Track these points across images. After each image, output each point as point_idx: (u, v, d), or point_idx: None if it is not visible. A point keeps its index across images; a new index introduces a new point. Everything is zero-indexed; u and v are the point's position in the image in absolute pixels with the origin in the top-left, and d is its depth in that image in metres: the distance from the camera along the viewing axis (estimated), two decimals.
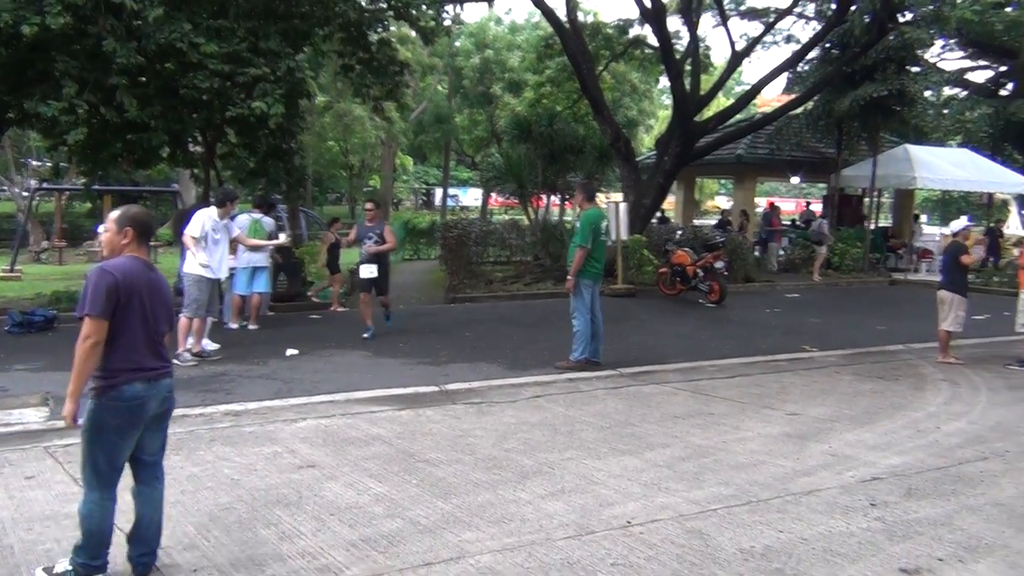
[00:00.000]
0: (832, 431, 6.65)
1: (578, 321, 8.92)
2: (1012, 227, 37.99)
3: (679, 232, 19.04)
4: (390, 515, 4.73)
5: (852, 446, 6.22)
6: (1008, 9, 25.45)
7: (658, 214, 22.51)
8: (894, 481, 5.41)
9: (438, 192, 50.70)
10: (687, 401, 7.69)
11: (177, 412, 4.86)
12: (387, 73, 14.48)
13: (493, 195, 38.34)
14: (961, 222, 10.35)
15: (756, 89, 20.10)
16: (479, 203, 45.18)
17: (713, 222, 30.60)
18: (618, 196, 20.55)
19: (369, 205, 11.22)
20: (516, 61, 34.93)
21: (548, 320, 12.57)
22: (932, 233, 29.74)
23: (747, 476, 5.48)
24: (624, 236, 16.71)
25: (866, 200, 23.70)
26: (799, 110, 21.96)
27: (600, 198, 24.62)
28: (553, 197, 25.09)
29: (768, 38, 24.90)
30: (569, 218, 25.84)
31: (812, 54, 21.71)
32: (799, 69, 22.42)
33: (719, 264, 15.56)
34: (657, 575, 4.00)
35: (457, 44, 37.27)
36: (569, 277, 8.93)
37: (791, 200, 53.27)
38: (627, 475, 5.48)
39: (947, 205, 45.90)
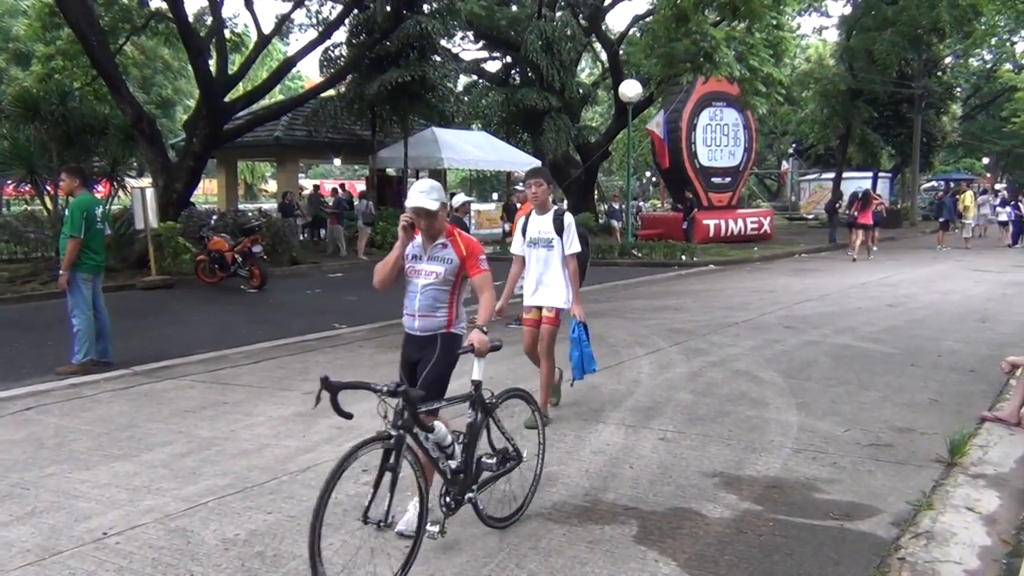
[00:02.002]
0: (344, 405, 6.82)
1: (78, 320, 8.10)
2: None
3: (214, 217, 18.35)
4: None
5: (358, 416, 6.35)
6: (514, 8, 28.63)
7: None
8: None
9: None
10: (203, 393, 7.38)
11: None
12: None
13: (10, 184, 33.43)
14: (461, 198, 11.35)
15: (283, 70, 20.08)
16: None
17: (267, 205, 30.06)
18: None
19: None
20: (22, 29, 30.72)
21: (64, 322, 11.24)
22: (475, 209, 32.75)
23: (248, 462, 5.39)
24: (154, 224, 15.66)
25: (411, 180, 25.11)
26: (332, 92, 22.46)
27: (132, 183, 22.77)
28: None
29: (304, 20, 25.05)
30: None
31: (342, 38, 22.33)
32: (332, 53, 22.90)
33: (257, 248, 15.32)
34: None
35: None
36: (62, 272, 8.06)
37: (343, 182, 54.57)
38: (116, 482, 5.06)
39: (481, 183, 50.67)
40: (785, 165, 50.76)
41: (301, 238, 22.28)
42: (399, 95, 21.34)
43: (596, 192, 34.27)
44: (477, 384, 4.16)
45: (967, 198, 26.35)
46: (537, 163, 25.25)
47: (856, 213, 21.30)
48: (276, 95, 35.75)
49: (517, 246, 6.32)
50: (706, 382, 7.55)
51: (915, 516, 4.50)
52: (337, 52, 22.81)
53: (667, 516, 4.49)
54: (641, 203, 41.45)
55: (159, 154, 17.74)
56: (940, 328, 10.53)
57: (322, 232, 23.63)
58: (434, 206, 4.07)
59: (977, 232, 28.36)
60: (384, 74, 20.85)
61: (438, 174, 26.45)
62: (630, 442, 5.77)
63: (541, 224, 6.13)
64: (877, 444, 5.76)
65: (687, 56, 13.93)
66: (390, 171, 26.43)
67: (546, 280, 6.17)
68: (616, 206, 25.98)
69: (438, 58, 22.72)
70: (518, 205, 11.27)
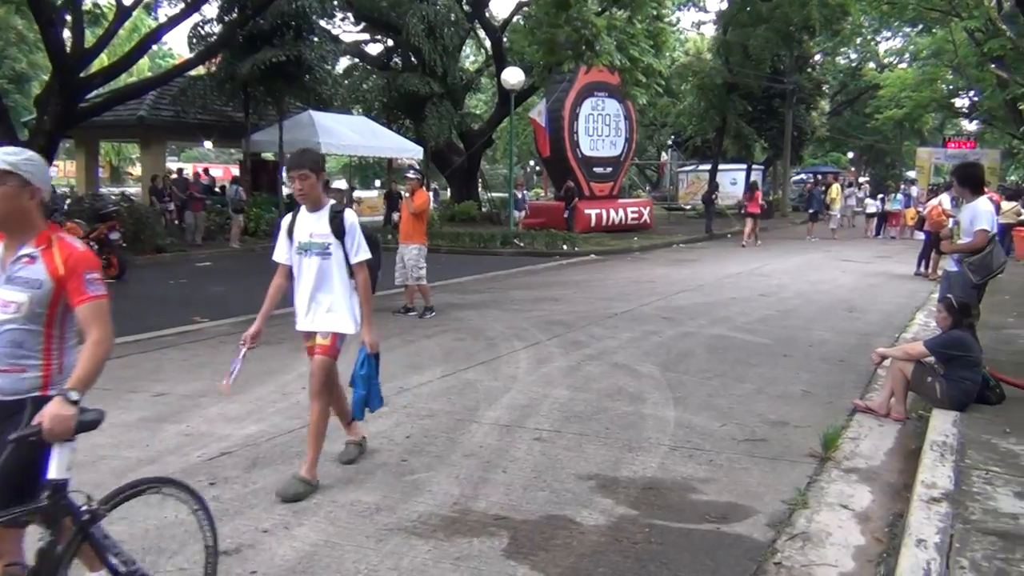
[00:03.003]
0: (197, 408, 6.32)
1: None
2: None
3: (68, 201, 17.09)
4: None
5: (211, 421, 5.96)
6: None
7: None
8: (243, 453, 5.26)
9: None
10: None
11: None
12: None
13: None
14: (334, 183, 10.86)
15: (145, 44, 18.81)
16: None
17: (133, 189, 28.45)
18: None
19: None
20: None
21: None
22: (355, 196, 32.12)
23: (79, 478, 4.77)
24: None
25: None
26: (202, 71, 21.35)
27: None
28: None
29: None
30: None
31: (214, 13, 21.25)
32: (203, 30, 21.77)
33: (114, 235, 14.32)
34: None
35: None
36: None
37: (219, 166, 52.58)
38: None
39: (365, 170, 49.66)
40: (664, 156, 51.91)
41: (176, 223, 21.07)
42: (274, 76, 20.43)
43: (480, 180, 33.98)
44: (55, 486, 2.62)
45: (834, 190, 27.48)
46: (417, 149, 24.80)
47: (746, 203, 23.65)
48: (146, 73, 33.88)
49: (281, 252, 4.88)
50: (584, 377, 7.37)
51: (791, 516, 4.40)
52: (208, 29, 21.68)
53: (540, 525, 4.23)
54: (524, 192, 41.44)
55: (6, 132, 16.33)
56: (811, 318, 10.76)
57: (187, 218, 22.45)
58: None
59: (846, 223, 29.78)
60: (257, 53, 19.92)
61: None
62: (504, 443, 5.50)
63: (314, 224, 4.69)
64: (752, 439, 5.68)
65: (568, 43, 13.79)
66: (267, 155, 25.42)
67: (322, 298, 4.77)
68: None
69: (315, 38, 21.87)
70: (404, 195, 10.86)
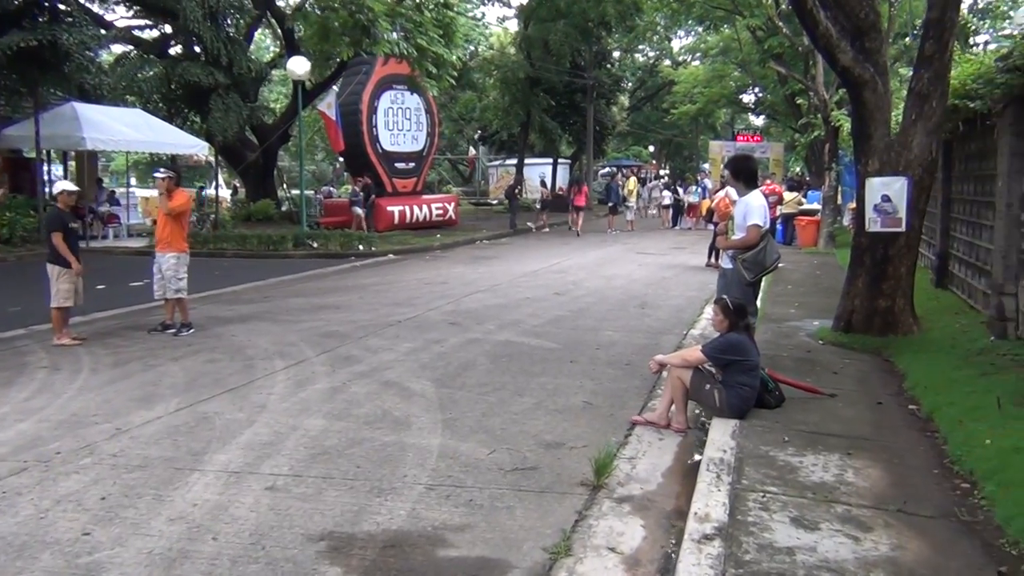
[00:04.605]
0: None
1: None
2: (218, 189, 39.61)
3: None
4: None
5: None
6: None
7: None
8: None
9: None
10: None
11: None
12: None
13: None
14: (61, 184, 9.39)
15: None
16: None
17: None
18: None
19: None
20: None
21: None
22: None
23: None
24: None
25: (71, 164, 21.55)
26: None
27: None
28: None
29: None
30: None
31: None
32: None
33: None
34: None
35: None
36: None
37: None
38: None
39: (159, 167, 46.12)
40: (473, 151, 51.68)
41: None
42: (26, 62, 18.10)
43: (278, 177, 32.10)
44: None
45: (631, 183, 28.06)
46: (202, 144, 22.92)
47: (573, 197, 25.41)
48: None
49: None
50: (346, 400, 6.50)
51: (551, 569, 3.77)
52: None
53: None
54: (332, 188, 39.83)
55: None
56: (602, 316, 10.42)
57: None
58: None
59: (645, 214, 30.52)
60: (3, 37, 17.52)
61: (83, 156, 23.13)
62: (227, 497, 4.55)
63: None
64: (522, 468, 5.06)
65: (344, 29, 12.81)
66: (28, 152, 22.66)
67: None
68: (359, 189, 24.21)
69: (75, 21, 19.56)
70: (159, 196, 9.56)
